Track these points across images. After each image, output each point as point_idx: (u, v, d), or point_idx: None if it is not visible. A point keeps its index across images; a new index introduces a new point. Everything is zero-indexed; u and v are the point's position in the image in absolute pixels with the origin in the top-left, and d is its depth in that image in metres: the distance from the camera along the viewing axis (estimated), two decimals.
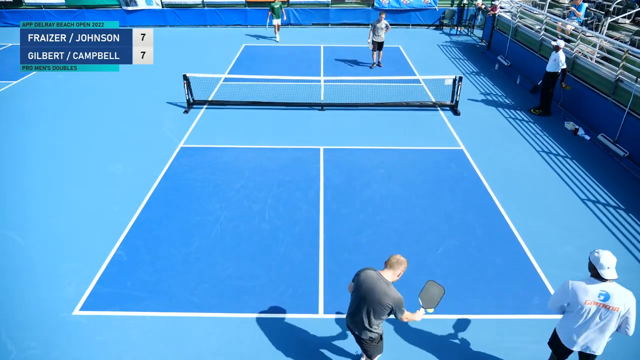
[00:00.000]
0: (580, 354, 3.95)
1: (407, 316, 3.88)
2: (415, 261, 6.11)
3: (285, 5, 19.13)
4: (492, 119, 10.69)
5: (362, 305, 3.84)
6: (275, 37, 17.54)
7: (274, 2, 16.88)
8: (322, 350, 4.92)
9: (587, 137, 9.73)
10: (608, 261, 3.50)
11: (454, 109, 11.08)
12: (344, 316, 5.27)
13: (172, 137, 9.63)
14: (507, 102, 11.76)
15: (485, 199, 7.54)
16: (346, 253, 6.31)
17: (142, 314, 5.35)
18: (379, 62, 14.33)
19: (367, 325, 3.90)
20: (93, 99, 11.77)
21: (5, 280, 5.84)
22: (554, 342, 4.09)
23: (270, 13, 16.95)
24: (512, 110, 11.16)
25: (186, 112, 10.91)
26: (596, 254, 3.60)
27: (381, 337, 4.13)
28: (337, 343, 5.01)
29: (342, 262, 6.15)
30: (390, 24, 19.57)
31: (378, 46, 13.88)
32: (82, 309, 5.41)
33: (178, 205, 7.35)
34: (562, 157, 8.96)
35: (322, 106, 11.10)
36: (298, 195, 7.59)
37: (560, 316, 4.01)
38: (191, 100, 11.08)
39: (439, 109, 11.21)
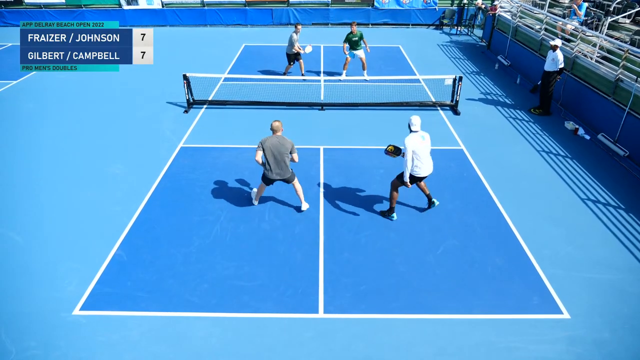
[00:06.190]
0: (421, 178, 6.60)
1: (296, 155, 6.57)
2: (415, 261, 6.11)
3: (358, 39, 12.63)
4: (492, 119, 10.69)
5: (279, 159, 6.39)
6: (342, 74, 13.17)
7: (352, 33, 12.42)
8: (322, 350, 4.92)
9: (587, 137, 9.73)
10: (416, 122, 6.30)
11: (454, 108, 11.08)
12: (344, 316, 5.30)
13: (172, 137, 9.63)
14: (507, 101, 11.75)
15: (485, 199, 7.54)
16: (346, 253, 6.32)
17: (142, 314, 5.35)
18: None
19: (287, 167, 6.55)
20: (93, 99, 11.77)
21: (5, 280, 5.85)
22: (409, 178, 6.45)
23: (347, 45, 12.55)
24: (512, 110, 11.16)
25: (186, 112, 10.91)
26: (411, 118, 6.34)
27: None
28: (337, 343, 5.01)
29: (342, 262, 6.16)
30: (390, 24, 19.77)
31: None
32: (82, 309, 5.41)
33: (178, 205, 7.35)
34: (562, 156, 8.96)
35: (322, 106, 11.10)
36: None
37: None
38: (191, 100, 11.08)
39: (439, 108, 11.21)
